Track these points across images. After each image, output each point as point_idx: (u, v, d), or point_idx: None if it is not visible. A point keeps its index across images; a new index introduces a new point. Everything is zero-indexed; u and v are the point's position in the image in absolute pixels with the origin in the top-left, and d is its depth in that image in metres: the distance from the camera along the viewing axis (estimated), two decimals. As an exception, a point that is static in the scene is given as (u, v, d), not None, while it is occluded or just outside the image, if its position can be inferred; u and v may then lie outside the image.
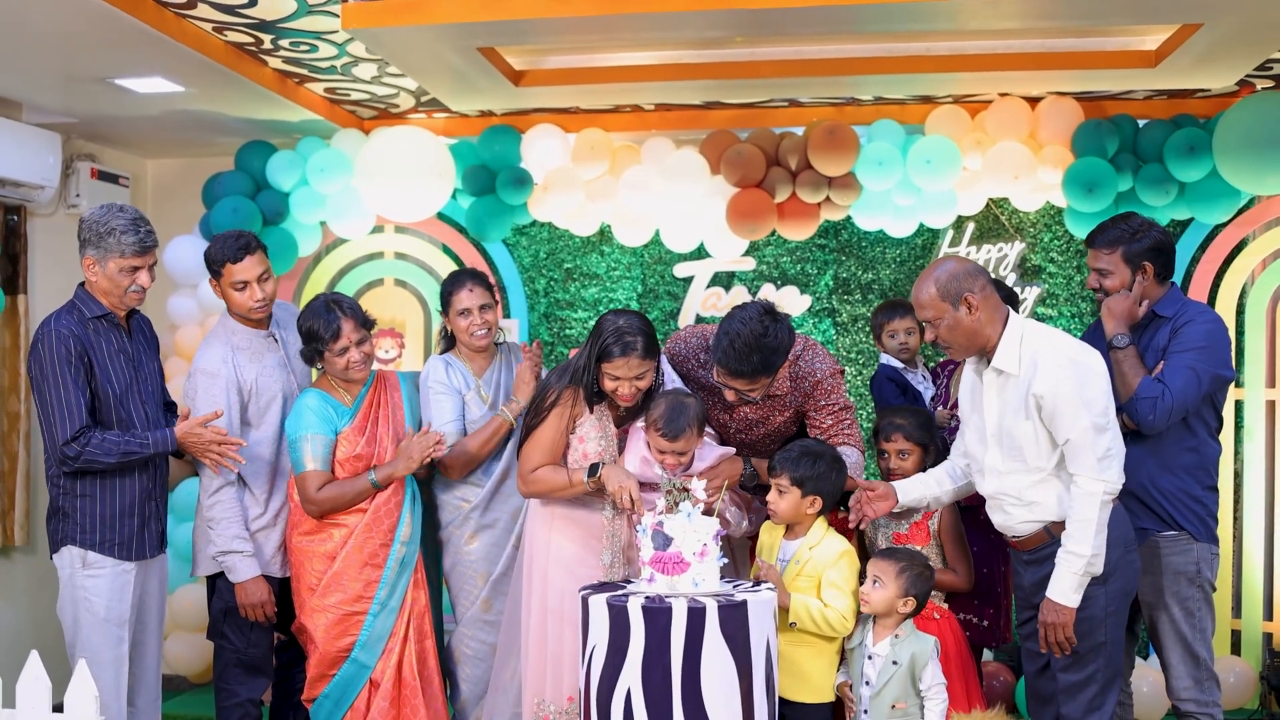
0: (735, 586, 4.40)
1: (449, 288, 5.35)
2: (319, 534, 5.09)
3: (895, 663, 4.42)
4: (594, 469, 4.68)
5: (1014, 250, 7.15)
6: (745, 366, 4.56)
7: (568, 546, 4.79)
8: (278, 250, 7.07)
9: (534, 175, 7.16)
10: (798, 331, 4.87)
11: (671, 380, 4.89)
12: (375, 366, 5.36)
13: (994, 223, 7.18)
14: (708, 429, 4.85)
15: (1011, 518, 4.45)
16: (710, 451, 4.79)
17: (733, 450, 4.87)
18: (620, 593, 4.28)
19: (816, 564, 4.54)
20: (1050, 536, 4.39)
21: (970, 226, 7.21)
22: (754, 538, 5.03)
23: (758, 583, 4.48)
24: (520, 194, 7.13)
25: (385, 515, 5.08)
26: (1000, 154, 6.73)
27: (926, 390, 5.55)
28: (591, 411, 4.80)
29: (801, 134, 6.92)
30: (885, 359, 5.73)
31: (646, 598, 4.18)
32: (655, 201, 7.04)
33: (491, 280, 5.48)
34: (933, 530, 4.93)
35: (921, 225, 7.04)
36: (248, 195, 7.13)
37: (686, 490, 4.33)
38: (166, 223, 7.23)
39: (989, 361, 4.42)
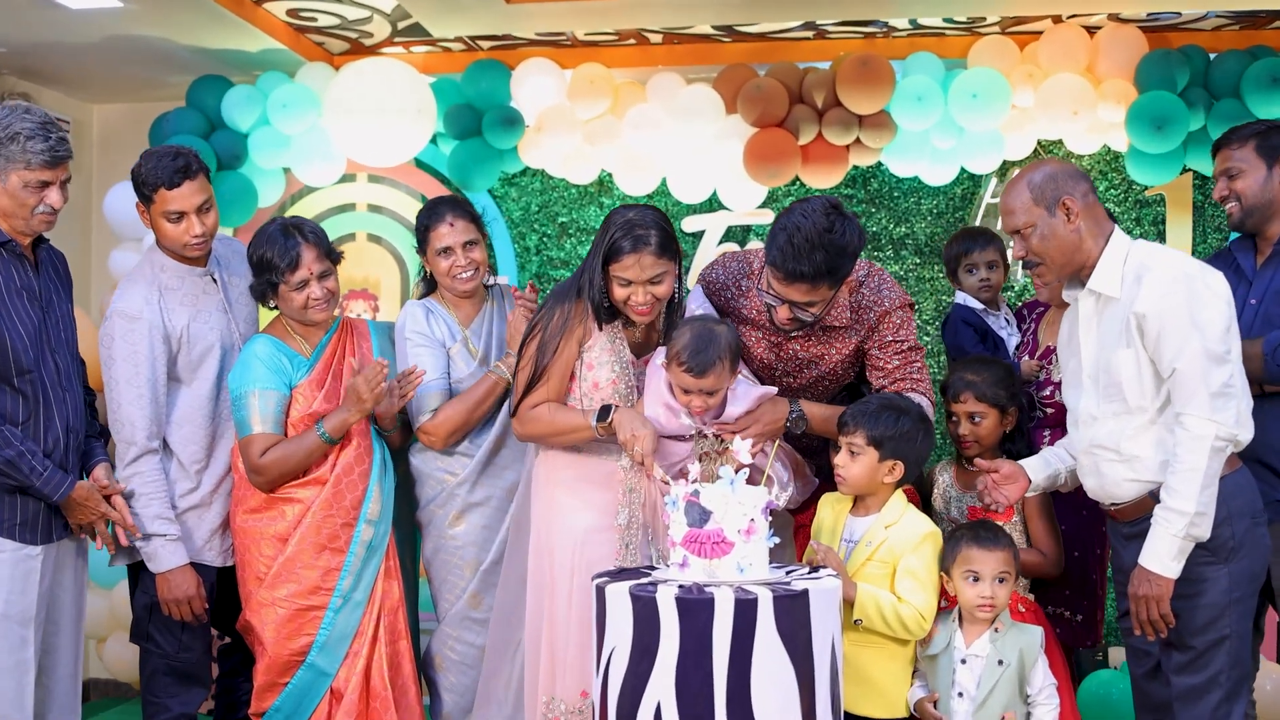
0: (789, 573, 3.37)
1: (425, 221, 4.35)
2: (268, 511, 4.07)
3: (1001, 662, 3.47)
4: (605, 411, 3.74)
5: (1065, 201, 6.15)
6: (806, 266, 3.65)
7: (578, 512, 3.85)
8: (235, 199, 6.05)
9: (525, 115, 6.18)
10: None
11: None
12: (341, 314, 4.34)
13: (1043, 169, 6.18)
14: (745, 371, 3.87)
15: (1107, 479, 3.55)
16: (746, 392, 3.80)
17: (774, 390, 3.88)
18: (646, 581, 3.25)
19: (893, 548, 3.53)
20: (1156, 503, 3.46)
21: (1015, 174, 6.19)
22: (799, 511, 4.01)
23: (815, 568, 3.45)
24: (509, 136, 6.14)
25: (348, 488, 4.05)
26: (1055, 88, 5.77)
27: (1010, 337, 4.52)
28: (601, 330, 3.86)
29: (828, 69, 5.95)
30: (961, 298, 4.69)
31: (680, 587, 3.17)
32: (663, 144, 6.08)
33: (475, 211, 4.45)
34: (1017, 504, 3.92)
35: (962, 171, 6.09)
36: (200, 135, 6.09)
37: (726, 451, 3.32)
38: (114, 175, 6.22)
39: (1085, 284, 3.56)
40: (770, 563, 3.36)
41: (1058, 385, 4.11)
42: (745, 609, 3.07)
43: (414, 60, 6.34)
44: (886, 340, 3.92)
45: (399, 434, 4.25)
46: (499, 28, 5.89)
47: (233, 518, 4.13)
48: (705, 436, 3.54)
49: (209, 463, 4.17)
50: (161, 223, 4.09)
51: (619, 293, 3.79)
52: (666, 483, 3.51)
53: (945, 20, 5.89)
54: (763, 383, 3.96)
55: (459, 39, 6.16)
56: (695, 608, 3.09)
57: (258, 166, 6.16)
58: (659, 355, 3.81)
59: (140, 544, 4.02)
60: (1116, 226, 3.57)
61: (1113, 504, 3.58)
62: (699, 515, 3.24)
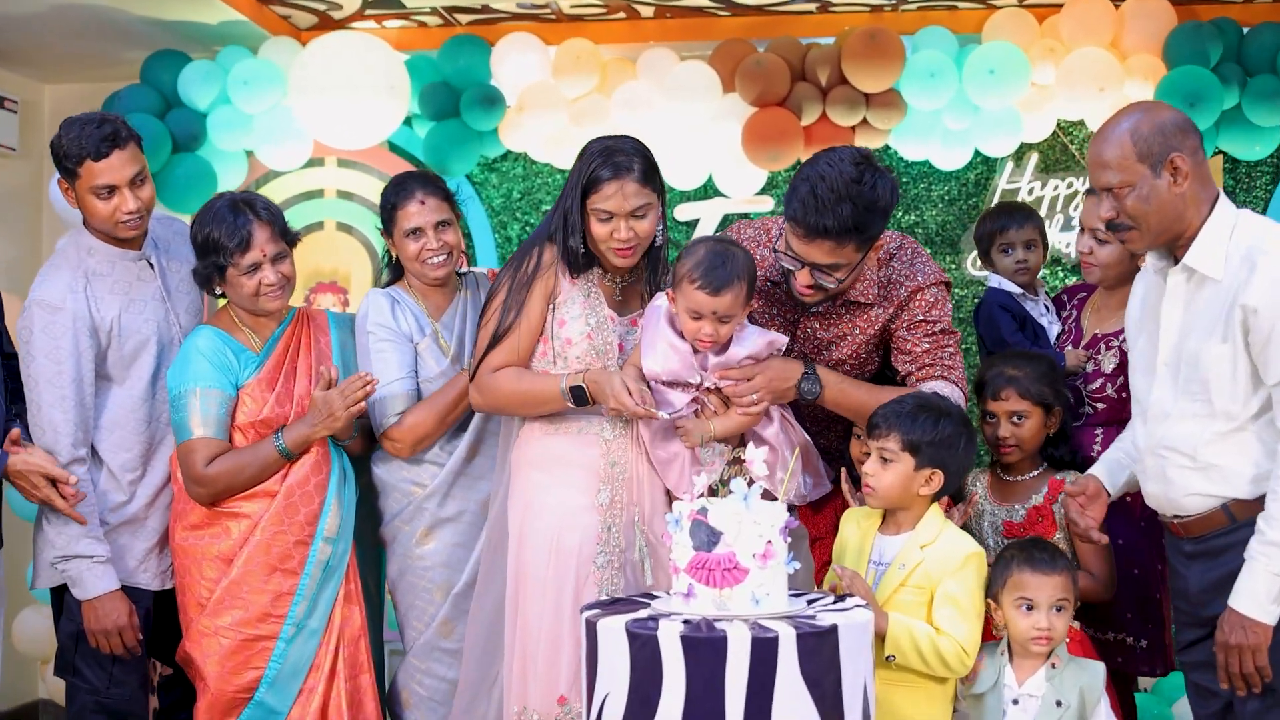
0: (810, 603, 2.83)
1: (392, 198, 3.80)
2: (210, 528, 3.52)
3: (1059, 704, 2.97)
4: (578, 393, 3.27)
5: (1085, 186, 5.64)
6: (830, 220, 3.15)
7: (552, 489, 3.35)
8: (192, 183, 5.50)
9: (506, 95, 5.67)
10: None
11: None
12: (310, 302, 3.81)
13: (1062, 152, 5.69)
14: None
15: (1174, 486, 3.01)
16: (752, 334, 3.32)
17: (784, 339, 3.38)
18: (645, 614, 2.71)
19: (930, 571, 2.99)
20: (1231, 520, 2.96)
21: (1034, 158, 5.71)
22: (815, 511, 3.50)
23: (840, 597, 2.91)
24: (489, 117, 5.61)
25: (302, 502, 3.50)
26: (1078, 63, 5.29)
27: (1051, 325, 3.97)
28: (575, 281, 3.39)
29: (833, 44, 5.46)
30: (996, 281, 4.13)
31: (686, 622, 2.63)
32: (654, 126, 5.51)
33: (448, 189, 3.91)
34: (1059, 517, 3.42)
35: (976, 154, 5.60)
36: (155, 115, 5.55)
37: (739, 463, 2.79)
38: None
39: (1177, 258, 2.99)
40: (793, 591, 2.83)
41: (1109, 377, 3.62)
42: (763, 649, 2.53)
43: (387, 36, 5.80)
44: (916, 319, 3.40)
45: (360, 440, 3.70)
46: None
47: (171, 535, 3.59)
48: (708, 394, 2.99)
49: (145, 472, 3.63)
50: (90, 200, 3.55)
51: (599, 229, 3.30)
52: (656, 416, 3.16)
53: (960, -9, 5.39)
54: None
55: (435, 12, 5.63)
56: (704, 648, 2.55)
57: (217, 148, 5.63)
58: (658, 297, 3.35)
59: (62, 566, 3.47)
60: (1221, 192, 3.01)
61: (1176, 516, 3.05)
62: (707, 536, 2.70)
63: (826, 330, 3.46)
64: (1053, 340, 3.86)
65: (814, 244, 3.20)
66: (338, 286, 5.91)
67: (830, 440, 3.61)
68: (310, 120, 5.48)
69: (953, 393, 3.31)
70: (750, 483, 2.76)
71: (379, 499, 3.73)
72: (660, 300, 3.32)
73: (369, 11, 5.62)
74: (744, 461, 2.85)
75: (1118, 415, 3.57)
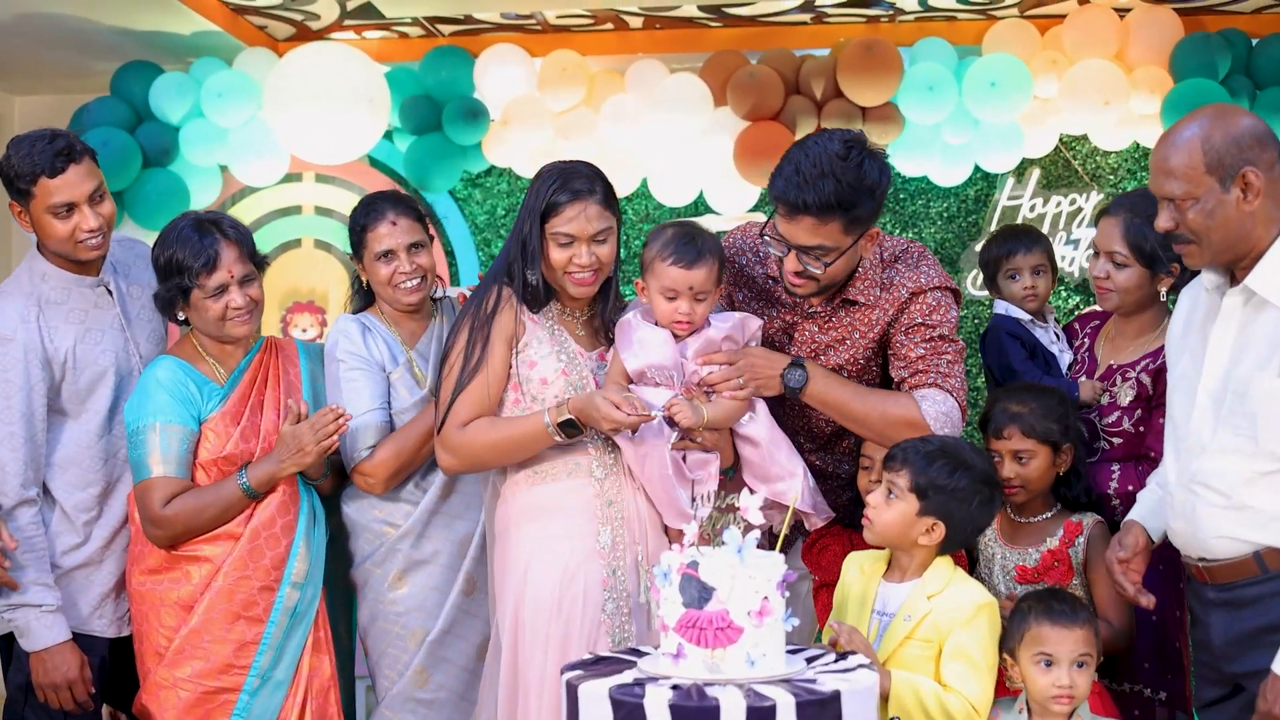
0: (811, 663, 2.61)
1: (362, 219, 3.55)
2: (169, 572, 3.27)
3: None
4: (569, 426, 3.06)
5: (1090, 202, 5.46)
6: (811, 196, 2.98)
7: (556, 542, 3.11)
8: (164, 200, 5.30)
9: (490, 108, 5.46)
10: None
11: None
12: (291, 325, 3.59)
13: (1064, 168, 5.48)
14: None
15: (1203, 527, 2.76)
16: (726, 317, 3.18)
17: (757, 322, 3.22)
18: (630, 679, 2.48)
19: (938, 623, 2.75)
20: (1263, 569, 2.73)
21: (1035, 173, 5.50)
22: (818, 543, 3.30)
23: (842, 655, 2.69)
24: (473, 131, 5.41)
25: (268, 544, 3.26)
26: (1082, 76, 5.11)
27: (1062, 354, 3.74)
28: (536, 318, 3.19)
29: (827, 56, 5.26)
30: (1003, 308, 3.90)
31: (675, 688, 2.40)
32: (643, 140, 5.38)
33: (421, 209, 3.67)
34: (1076, 561, 3.18)
35: (976, 170, 5.42)
36: (125, 128, 5.33)
37: (733, 510, 2.57)
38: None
39: (1236, 278, 2.74)
40: (792, 648, 2.60)
41: (1126, 410, 3.38)
42: (760, 718, 2.32)
43: (368, 47, 5.60)
44: (915, 323, 3.17)
45: (331, 478, 3.47)
46: (459, 7, 5.15)
47: (128, 579, 3.34)
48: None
49: (101, 512, 3.39)
50: (47, 220, 3.31)
51: (559, 255, 3.11)
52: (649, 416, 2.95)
53: (959, 1, 5.18)
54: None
55: (417, 23, 5.43)
56: (695, 717, 2.33)
57: (190, 163, 5.43)
58: (628, 310, 3.19)
59: (8, 615, 3.24)
60: None
61: (1201, 559, 2.81)
62: (698, 592, 2.47)
63: (825, 334, 3.25)
64: (1065, 370, 3.64)
65: (796, 222, 3.02)
66: (315, 307, 5.68)
67: (830, 462, 3.39)
68: (286, 134, 5.27)
69: (944, 401, 3.09)
70: (745, 531, 2.53)
71: (349, 540, 3.49)
72: (629, 314, 3.17)
73: (348, 22, 5.42)
74: (738, 509, 2.62)
75: (1135, 450, 3.36)
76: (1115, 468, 3.37)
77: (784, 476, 3.12)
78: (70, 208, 3.30)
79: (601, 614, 3.07)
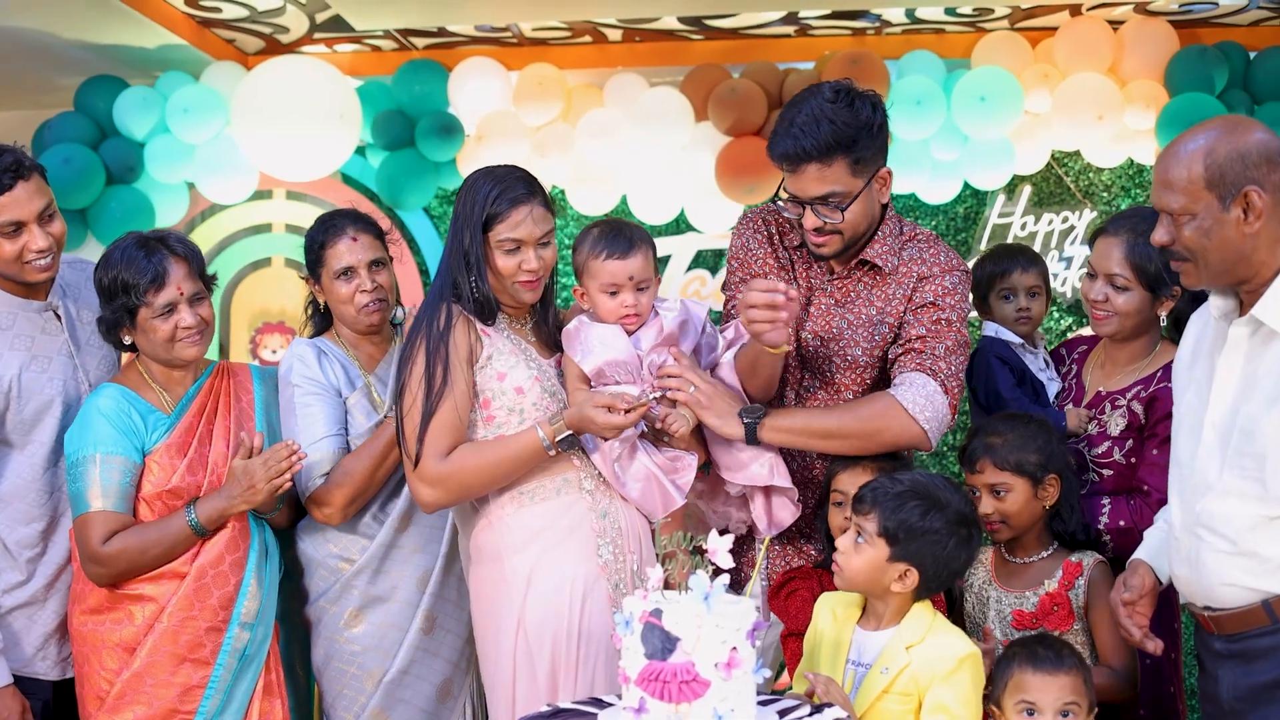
0: (784, 716, 2.44)
1: (320, 236, 3.38)
2: (111, 612, 3.08)
3: None
4: (569, 440, 2.95)
5: (1083, 220, 5.31)
6: (810, 141, 2.92)
7: (566, 567, 2.97)
8: (129, 218, 5.15)
9: (465, 123, 5.32)
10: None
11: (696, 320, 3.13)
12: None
13: (1056, 185, 5.32)
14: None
15: (1208, 573, 2.59)
16: (670, 309, 3.07)
17: (702, 308, 3.15)
18: (588, 735, 2.32)
19: (917, 676, 2.56)
20: (1272, 619, 2.54)
21: (1026, 190, 5.34)
22: (785, 610, 3.10)
23: (817, 708, 2.52)
24: (447, 147, 5.26)
25: (215, 583, 3.07)
26: (1075, 89, 4.98)
27: (1050, 382, 3.55)
28: (489, 332, 3.04)
29: (812, 69, 5.11)
30: (992, 330, 3.71)
31: (635, 746, 2.23)
32: (622, 156, 5.23)
33: (384, 225, 3.53)
34: (1077, 605, 2.98)
35: (966, 187, 5.28)
36: (89, 145, 5.17)
37: (701, 552, 2.40)
38: (0, 190, 5.23)
39: (1244, 305, 2.56)
40: (765, 697, 2.44)
41: (1116, 440, 3.18)
42: (726, 780, 2.15)
43: (339, 61, 5.45)
44: (925, 301, 3.04)
45: (285, 512, 3.30)
46: (430, 19, 5.01)
47: (70, 618, 3.16)
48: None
49: (45, 549, 3.20)
50: None
51: (506, 263, 2.98)
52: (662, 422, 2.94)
53: (947, 13, 5.06)
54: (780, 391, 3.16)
55: (389, 35, 5.27)
56: (656, 779, 2.16)
57: (155, 180, 5.28)
58: (571, 322, 3.08)
59: None
60: None
61: (1207, 608, 2.63)
62: (661, 643, 2.30)
63: (841, 306, 3.11)
64: (1052, 398, 3.45)
65: (802, 173, 2.94)
66: (286, 327, 5.52)
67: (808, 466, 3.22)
68: (254, 150, 5.12)
69: (924, 385, 2.93)
70: (715, 575, 2.37)
71: (304, 576, 3.32)
72: (572, 322, 3.06)
73: (318, 35, 5.27)
74: (705, 551, 2.45)
75: (1126, 483, 3.15)
76: (1106, 501, 3.16)
77: (756, 457, 3.01)
78: (18, 227, 3.14)
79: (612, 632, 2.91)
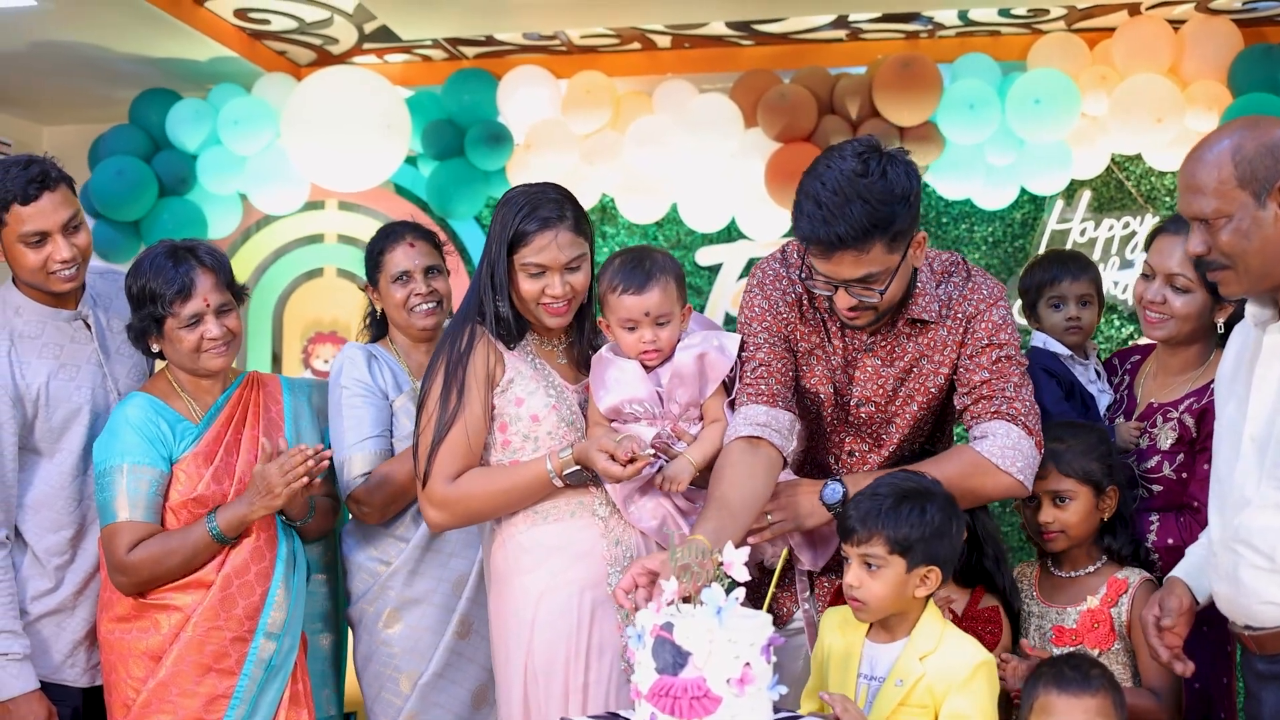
0: (801, 733, 2.36)
1: (380, 244, 3.49)
2: (138, 621, 3.06)
3: None
4: (577, 475, 2.87)
5: (1144, 225, 5.15)
6: (843, 228, 2.59)
7: (560, 610, 2.88)
8: (181, 229, 5.13)
9: (514, 132, 5.27)
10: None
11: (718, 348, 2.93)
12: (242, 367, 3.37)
13: (1117, 190, 5.18)
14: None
15: (1247, 591, 2.47)
16: (695, 340, 2.91)
17: (730, 338, 2.92)
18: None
19: (933, 686, 2.47)
20: None
21: (1086, 195, 5.20)
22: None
23: (834, 723, 2.43)
24: (496, 156, 5.22)
25: (241, 593, 3.05)
26: (1133, 91, 4.81)
27: (1102, 394, 3.41)
28: (512, 354, 2.95)
29: (863, 74, 5.01)
30: (1040, 340, 3.53)
31: (643, 764, 2.16)
32: (672, 163, 5.14)
33: (442, 237, 3.59)
34: (1119, 623, 2.86)
35: (1022, 193, 5.15)
36: (142, 157, 5.19)
37: (716, 564, 2.32)
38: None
39: None
40: (782, 715, 2.35)
41: (1167, 454, 3.04)
42: (736, 800, 2.07)
43: (390, 72, 5.42)
44: (980, 345, 2.82)
45: (323, 518, 3.28)
46: (477, 28, 4.96)
47: (99, 626, 3.14)
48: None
49: (74, 556, 3.20)
50: (18, 250, 3.14)
51: (529, 288, 2.88)
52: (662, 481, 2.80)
53: (1001, 14, 4.91)
54: (823, 459, 2.97)
55: (438, 45, 5.24)
56: (663, 798, 2.09)
57: (207, 192, 5.28)
58: (604, 350, 2.95)
59: None
60: None
61: (1248, 627, 2.51)
62: (672, 657, 2.22)
63: (890, 365, 2.88)
64: (1103, 411, 3.31)
65: (836, 259, 2.65)
66: (338, 337, 5.51)
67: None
68: (304, 161, 5.10)
69: (1008, 434, 2.74)
70: (730, 588, 2.29)
71: (346, 578, 3.36)
72: (604, 349, 2.95)
73: (368, 46, 5.24)
74: (721, 563, 2.37)
75: (1177, 499, 3.01)
76: (1155, 518, 3.03)
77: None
78: (42, 237, 3.14)
79: (622, 661, 2.84)
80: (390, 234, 3.49)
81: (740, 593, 2.27)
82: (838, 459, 2.96)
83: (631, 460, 2.71)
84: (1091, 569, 2.95)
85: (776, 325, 2.91)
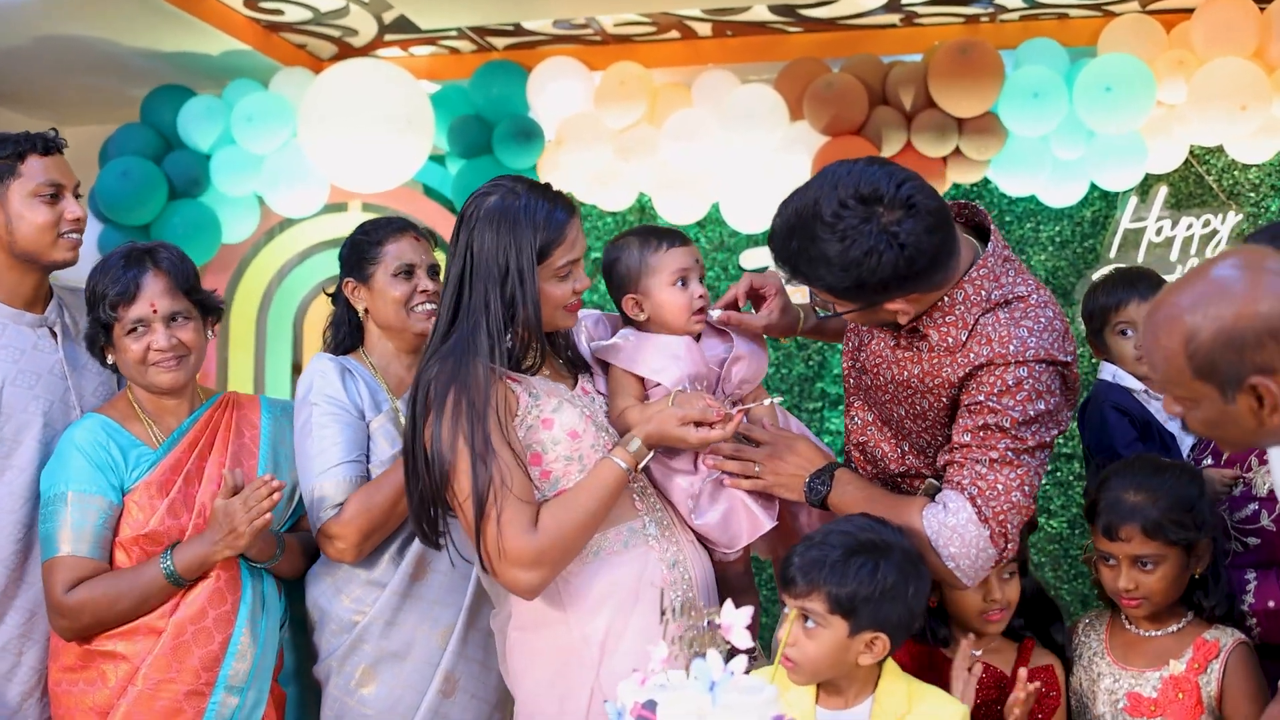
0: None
1: (378, 235, 3.00)
2: (84, 671, 2.68)
3: None
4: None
5: (1226, 224, 4.66)
6: (777, 249, 2.40)
7: (630, 640, 2.49)
8: (194, 234, 4.81)
9: (544, 127, 4.87)
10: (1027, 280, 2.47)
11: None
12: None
13: (1196, 184, 4.68)
14: None
15: None
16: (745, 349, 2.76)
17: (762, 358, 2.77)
18: None
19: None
20: None
21: (1162, 191, 4.71)
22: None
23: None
24: (526, 152, 4.84)
25: (197, 641, 2.66)
26: (1213, 78, 4.34)
27: (1183, 434, 2.90)
28: (519, 379, 2.54)
29: (918, 61, 4.56)
30: (1109, 373, 3.06)
31: None
32: (712, 159, 4.73)
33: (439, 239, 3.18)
34: (1207, 694, 2.39)
35: (1093, 189, 4.66)
36: (152, 158, 4.85)
37: (714, 627, 1.91)
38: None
39: None
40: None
41: (1265, 502, 2.54)
42: None
43: (415, 65, 5.05)
44: (975, 400, 2.37)
45: (295, 559, 2.88)
46: (499, 15, 4.57)
47: (49, 675, 2.78)
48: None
49: (18, 591, 2.83)
50: (29, 206, 2.87)
51: (559, 291, 2.51)
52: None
53: (1069, -5, 4.44)
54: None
55: (465, 36, 4.85)
56: None
57: (222, 193, 4.92)
58: (619, 335, 2.71)
59: None
60: None
61: None
62: (655, 741, 1.81)
63: (895, 357, 2.52)
64: (1185, 453, 2.80)
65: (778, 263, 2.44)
66: (361, 347, 5.14)
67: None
68: (323, 160, 4.73)
69: (957, 512, 2.33)
70: (730, 656, 1.87)
71: (314, 631, 2.89)
72: (616, 338, 2.71)
73: (390, 38, 4.87)
74: (718, 625, 1.96)
75: (1275, 554, 2.53)
76: (1251, 576, 2.53)
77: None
78: (57, 190, 2.87)
79: None
80: (390, 225, 3.03)
81: (741, 662, 1.85)
82: (852, 420, 2.73)
83: (725, 419, 2.47)
84: (1175, 628, 2.49)
85: None
